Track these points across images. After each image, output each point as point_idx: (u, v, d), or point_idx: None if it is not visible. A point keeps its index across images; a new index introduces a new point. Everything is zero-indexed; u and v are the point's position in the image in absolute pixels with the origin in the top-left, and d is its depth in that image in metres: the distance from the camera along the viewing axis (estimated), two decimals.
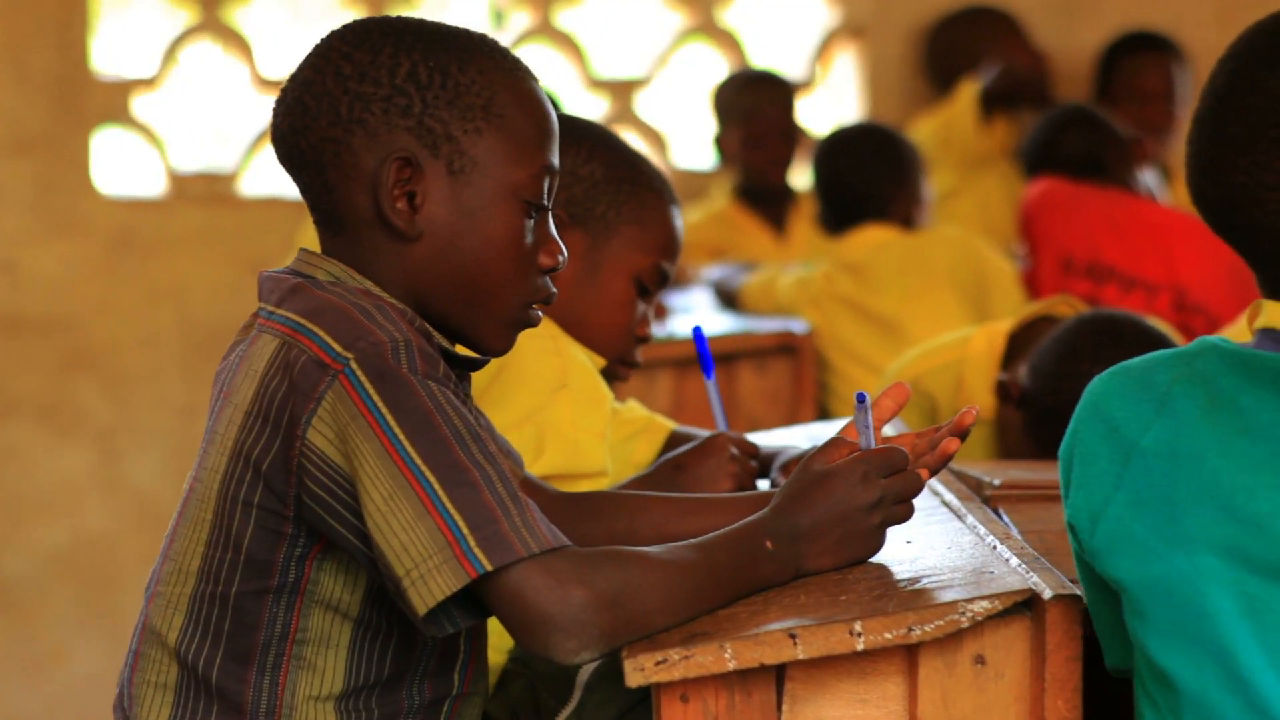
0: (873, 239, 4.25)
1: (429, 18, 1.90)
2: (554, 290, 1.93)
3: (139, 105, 5.61)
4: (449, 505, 1.70)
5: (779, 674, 1.77)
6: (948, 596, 1.77)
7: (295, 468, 1.77)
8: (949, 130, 5.32)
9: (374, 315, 1.79)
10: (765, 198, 5.23)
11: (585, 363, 2.37)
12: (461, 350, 1.93)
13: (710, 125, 5.30)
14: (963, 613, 1.75)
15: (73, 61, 5.43)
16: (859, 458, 1.89)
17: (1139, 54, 5.43)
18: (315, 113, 1.84)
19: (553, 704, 2.13)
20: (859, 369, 4.22)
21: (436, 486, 1.71)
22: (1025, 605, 1.77)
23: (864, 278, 4.23)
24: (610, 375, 2.44)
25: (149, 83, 5.59)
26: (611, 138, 2.48)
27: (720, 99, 5.27)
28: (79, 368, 5.46)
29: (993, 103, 5.40)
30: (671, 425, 2.60)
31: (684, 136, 5.92)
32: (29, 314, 5.43)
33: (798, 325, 4.23)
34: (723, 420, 2.42)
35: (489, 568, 1.69)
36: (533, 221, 1.89)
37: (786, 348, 4.19)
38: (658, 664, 1.72)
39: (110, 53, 5.63)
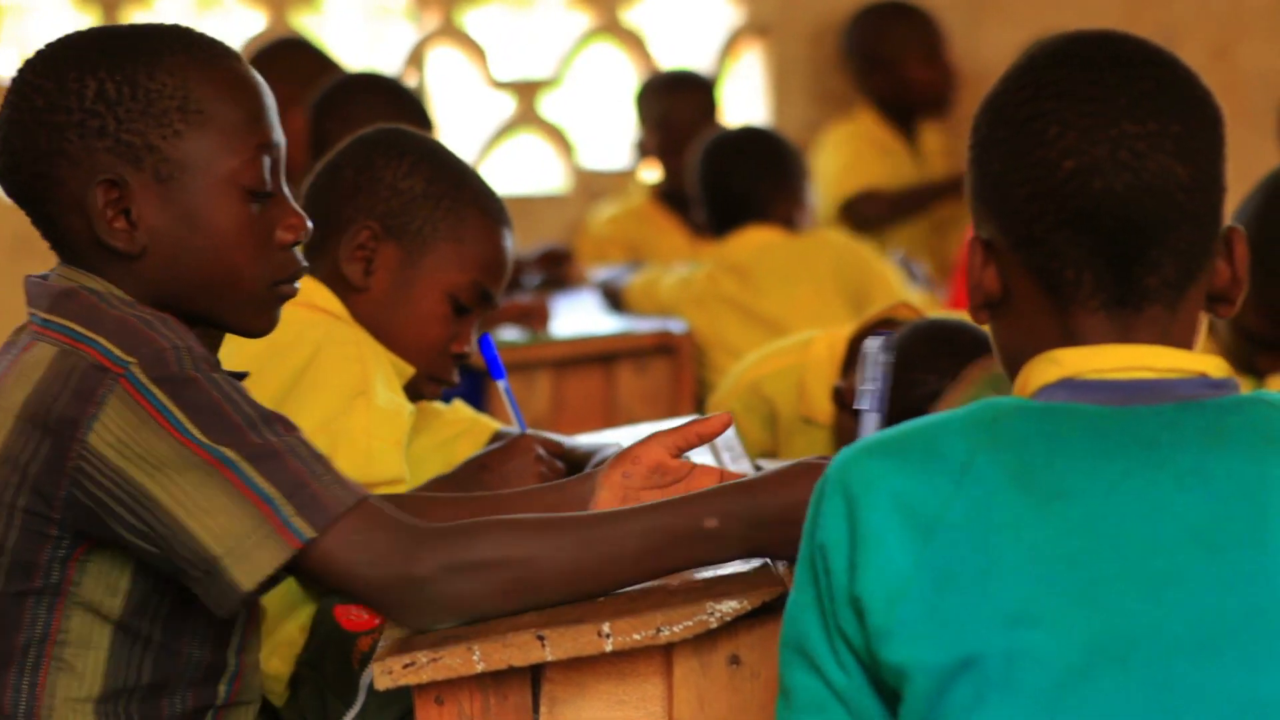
0: (755, 240, 4.23)
1: (135, 21, 1.89)
2: (303, 263, 1.93)
3: None
4: (259, 480, 1.73)
5: (537, 675, 1.78)
6: (702, 597, 1.77)
7: (70, 470, 1.77)
8: None
9: (155, 325, 1.80)
10: (684, 200, 5.23)
11: (389, 370, 2.36)
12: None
13: (631, 126, 5.31)
14: (711, 613, 1.74)
15: None
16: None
17: None
18: (20, 150, 1.84)
19: (340, 707, 2.13)
20: None
21: (243, 465, 1.73)
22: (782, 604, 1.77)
23: (747, 278, 4.21)
24: (415, 391, 2.42)
25: None
26: (439, 153, 2.45)
27: (641, 101, 5.27)
28: None
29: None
30: (496, 425, 2.60)
31: (589, 137, 5.92)
32: None
33: (676, 325, 4.22)
34: (520, 421, 2.42)
35: (310, 535, 1.73)
36: (258, 205, 1.89)
37: (665, 348, 4.20)
38: (405, 667, 1.71)
39: (13, 58, 5.61)
